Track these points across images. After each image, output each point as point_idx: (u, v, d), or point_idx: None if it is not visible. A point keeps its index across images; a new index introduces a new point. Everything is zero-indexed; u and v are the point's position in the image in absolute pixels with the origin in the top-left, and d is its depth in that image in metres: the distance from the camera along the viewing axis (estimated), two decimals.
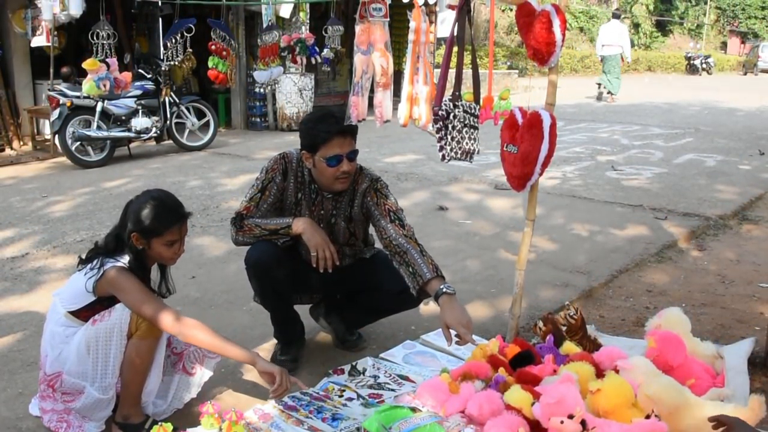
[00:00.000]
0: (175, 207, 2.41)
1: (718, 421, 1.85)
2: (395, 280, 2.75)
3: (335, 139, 2.66)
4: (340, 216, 2.86)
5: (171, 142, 8.71)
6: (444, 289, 2.57)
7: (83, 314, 2.38)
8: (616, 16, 15.03)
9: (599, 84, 15.34)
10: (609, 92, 14.80)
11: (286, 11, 9.75)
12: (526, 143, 2.71)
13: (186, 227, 2.44)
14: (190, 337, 2.33)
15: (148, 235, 2.34)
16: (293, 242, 2.84)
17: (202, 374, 2.60)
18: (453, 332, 2.52)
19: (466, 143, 2.79)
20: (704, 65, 30.26)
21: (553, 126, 2.69)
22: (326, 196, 2.83)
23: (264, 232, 2.74)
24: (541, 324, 2.82)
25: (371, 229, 2.96)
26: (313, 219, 2.80)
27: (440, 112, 2.73)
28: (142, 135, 8.13)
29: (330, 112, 2.78)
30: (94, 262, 2.35)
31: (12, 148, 8.78)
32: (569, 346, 2.64)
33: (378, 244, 2.99)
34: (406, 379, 2.76)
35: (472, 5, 2.86)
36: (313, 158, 2.71)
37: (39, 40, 8.60)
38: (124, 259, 2.36)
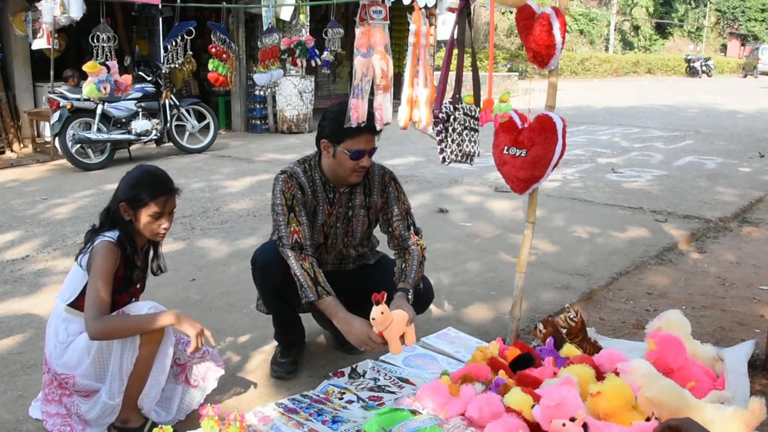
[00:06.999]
0: (164, 180, 2.44)
1: (668, 426, 1.75)
2: None
3: (364, 136, 2.70)
4: (356, 207, 2.89)
5: (171, 144, 8.74)
6: (407, 291, 2.70)
7: (81, 302, 2.34)
8: None
9: None
10: None
11: (286, 14, 9.78)
12: (538, 146, 2.71)
13: (173, 203, 2.44)
14: (109, 332, 2.23)
15: (135, 204, 2.36)
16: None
17: (205, 386, 2.57)
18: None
19: (467, 146, 2.79)
20: (704, 68, 30.31)
21: (565, 129, 2.70)
22: (342, 191, 2.85)
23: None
24: (541, 326, 2.82)
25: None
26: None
27: (440, 115, 2.73)
28: (142, 137, 8.15)
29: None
30: (88, 244, 2.36)
31: (12, 151, 8.79)
32: (569, 349, 2.64)
33: (380, 246, 3.02)
34: (407, 381, 2.75)
35: (472, 8, 2.85)
36: (334, 148, 2.73)
37: (39, 43, 8.63)
38: (115, 234, 2.35)
